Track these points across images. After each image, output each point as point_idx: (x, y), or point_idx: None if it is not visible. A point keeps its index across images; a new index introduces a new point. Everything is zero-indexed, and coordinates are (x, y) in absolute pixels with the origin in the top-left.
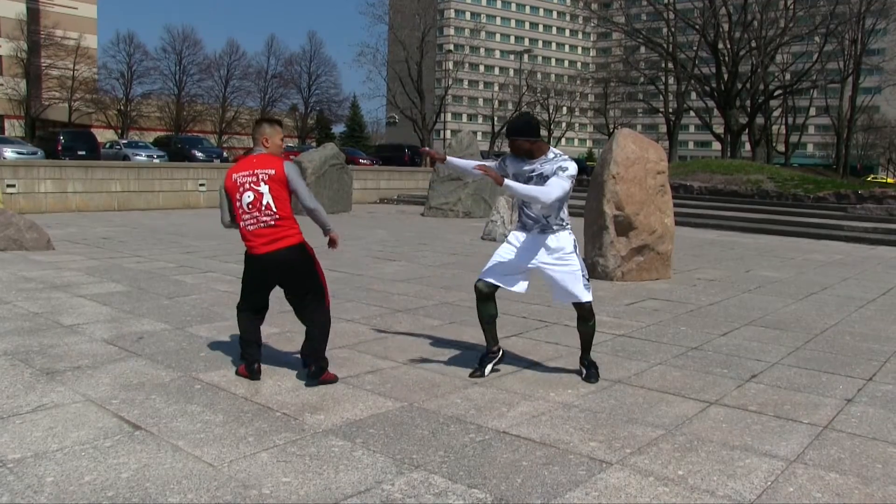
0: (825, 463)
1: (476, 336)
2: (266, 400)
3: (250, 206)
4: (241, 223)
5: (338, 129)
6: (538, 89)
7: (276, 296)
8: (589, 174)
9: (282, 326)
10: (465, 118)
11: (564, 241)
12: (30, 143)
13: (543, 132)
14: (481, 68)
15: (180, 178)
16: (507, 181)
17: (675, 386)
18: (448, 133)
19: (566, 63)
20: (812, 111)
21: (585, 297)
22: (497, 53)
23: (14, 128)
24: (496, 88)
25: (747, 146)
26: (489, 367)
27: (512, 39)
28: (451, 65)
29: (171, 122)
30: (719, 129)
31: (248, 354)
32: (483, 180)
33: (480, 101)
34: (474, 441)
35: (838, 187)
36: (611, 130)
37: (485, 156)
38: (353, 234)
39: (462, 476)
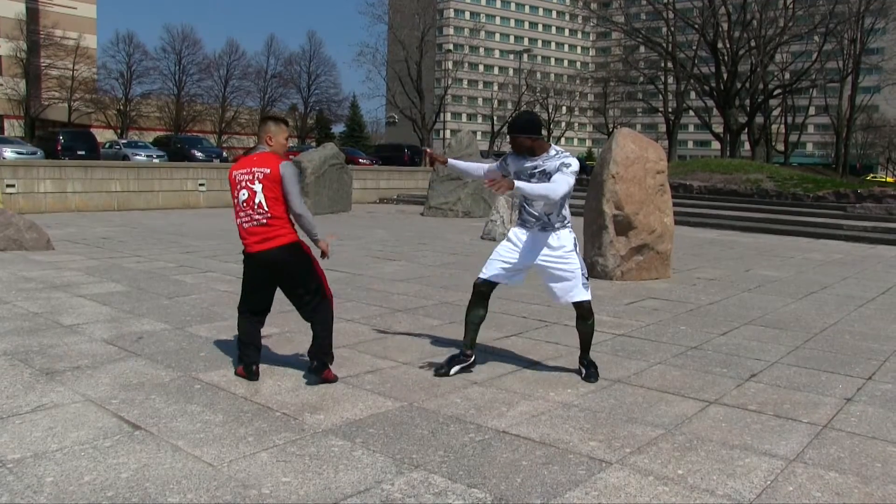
0: (825, 462)
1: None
2: (266, 400)
3: (245, 204)
4: (238, 220)
5: (337, 128)
6: (537, 89)
7: (278, 296)
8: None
9: (282, 326)
10: (464, 118)
11: (565, 239)
12: (29, 143)
13: (543, 132)
14: (481, 68)
15: (180, 177)
16: (517, 183)
17: (675, 385)
18: (448, 133)
19: (565, 62)
20: (811, 110)
21: (585, 295)
22: (496, 53)
23: (14, 128)
24: (496, 88)
25: (747, 145)
26: (457, 367)
27: (511, 39)
28: (450, 64)
29: (171, 121)
30: (719, 129)
31: (246, 356)
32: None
33: (480, 101)
34: (474, 441)
35: (838, 186)
36: (610, 130)
37: (484, 156)
38: (352, 234)
39: (462, 476)
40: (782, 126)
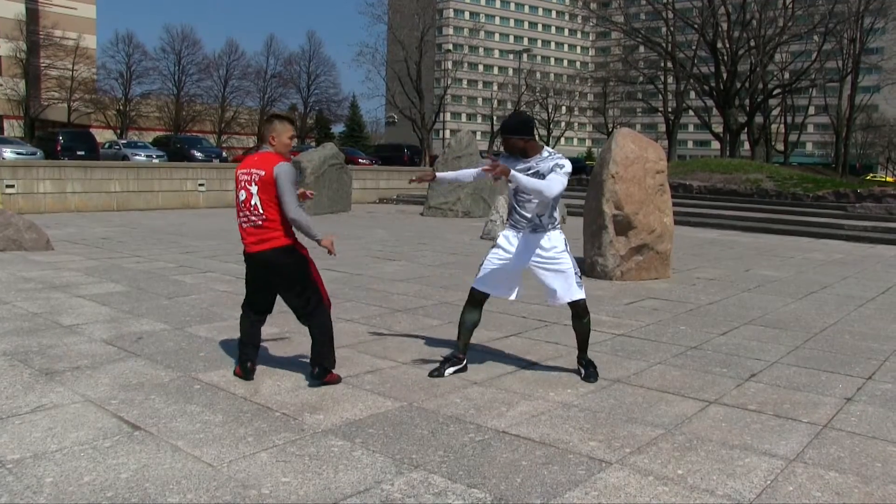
0: (825, 462)
1: (475, 336)
2: (265, 400)
3: (243, 205)
4: (238, 219)
5: (337, 128)
6: (537, 89)
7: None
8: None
9: (282, 326)
10: (464, 118)
11: (556, 240)
12: (29, 144)
13: (543, 132)
14: (480, 68)
15: (179, 178)
16: (513, 172)
17: (675, 385)
18: (447, 133)
19: (565, 62)
20: (811, 110)
21: (579, 294)
22: (496, 53)
23: (13, 128)
24: (495, 88)
25: (746, 145)
26: (451, 370)
27: (511, 39)
28: (450, 64)
29: (171, 122)
30: (718, 129)
31: (244, 354)
32: (482, 179)
33: (479, 101)
34: (474, 441)
35: (837, 186)
36: (610, 130)
37: (483, 156)
38: (352, 234)
39: (461, 476)
40: (782, 126)
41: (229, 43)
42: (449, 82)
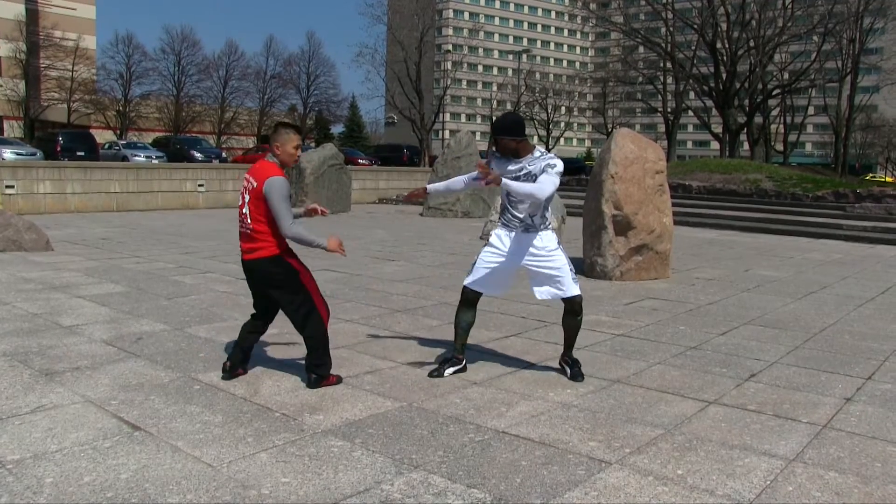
0: (824, 462)
1: (475, 336)
2: (265, 400)
3: (239, 210)
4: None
5: (337, 129)
6: (537, 89)
7: None
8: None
9: (281, 327)
10: (463, 118)
11: (548, 239)
12: (29, 144)
13: (542, 132)
14: (480, 68)
15: (179, 178)
16: (504, 180)
17: (674, 385)
18: (447, 133)
19: (564, 63)
20: (810, 110)
21: (575, 291)
22: (496, 53)
23: (13, 129)
24: (495, 88)
25: (746, 145)
26: (451, 370)
27: (510, 39)
28: (449, 65)
29: (170, 122)
30: (718, 129)
31: (231, 353)
32: (473, 187)
33: (479, 101)
34: (473, 441)
35: (837, 186)
36: (609, 130)
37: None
38: (352, 234)
39: (461, 476)
40: (781, 126)
41: (229, 43)
42: (448, 83)
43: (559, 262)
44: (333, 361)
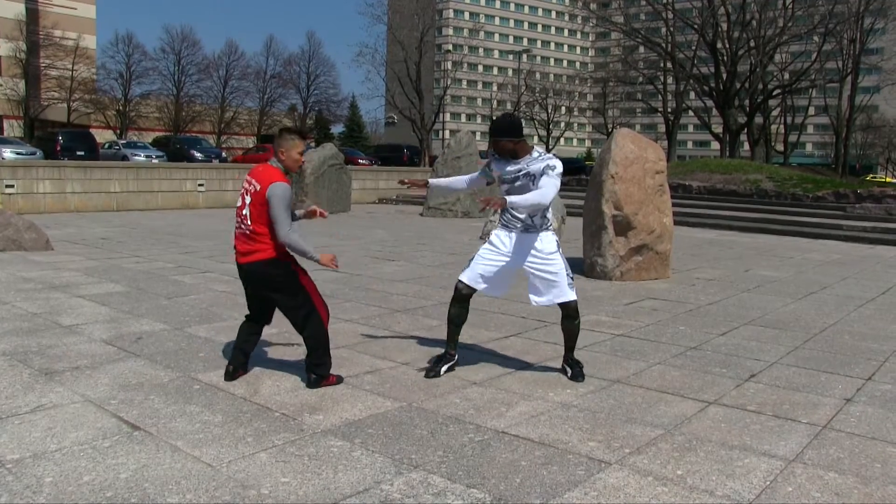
0: (824, 462)
1: (475, 336)
2: (265, 400)
3: (238, 210)
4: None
5: (337, 129)
6: (537, 89)
7: None
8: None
9: (280, 327)
10: (463, 118)
11: (548, 241)
12: (29, 144)
13: (543, 132)
14: (480, 68)
15: (179, 178)
16: (509, 199)
17: (674, 386)
18: (447, 133)
19: (565, 63)
20: (811, 110)
21: (571, 296)
22: (496, 53)
23: (13, 128)
24: (495, 88)
25: (746, 146)
26: (445, 367)
27: (511, 39)
28: (449, 65)
29: (170, 122)
30: (718, 129)
31: (232, 356)
32: (476, 186)
33: (479, 101)
34: (473, 441)
35: (837, 187)
36: (609, 130)
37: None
38: (352, 234)
39: (461, 476)
40: (782, 126)
41: (229, 43)
42: (448, 83)
43: (557, 267)
44: (333, 361)
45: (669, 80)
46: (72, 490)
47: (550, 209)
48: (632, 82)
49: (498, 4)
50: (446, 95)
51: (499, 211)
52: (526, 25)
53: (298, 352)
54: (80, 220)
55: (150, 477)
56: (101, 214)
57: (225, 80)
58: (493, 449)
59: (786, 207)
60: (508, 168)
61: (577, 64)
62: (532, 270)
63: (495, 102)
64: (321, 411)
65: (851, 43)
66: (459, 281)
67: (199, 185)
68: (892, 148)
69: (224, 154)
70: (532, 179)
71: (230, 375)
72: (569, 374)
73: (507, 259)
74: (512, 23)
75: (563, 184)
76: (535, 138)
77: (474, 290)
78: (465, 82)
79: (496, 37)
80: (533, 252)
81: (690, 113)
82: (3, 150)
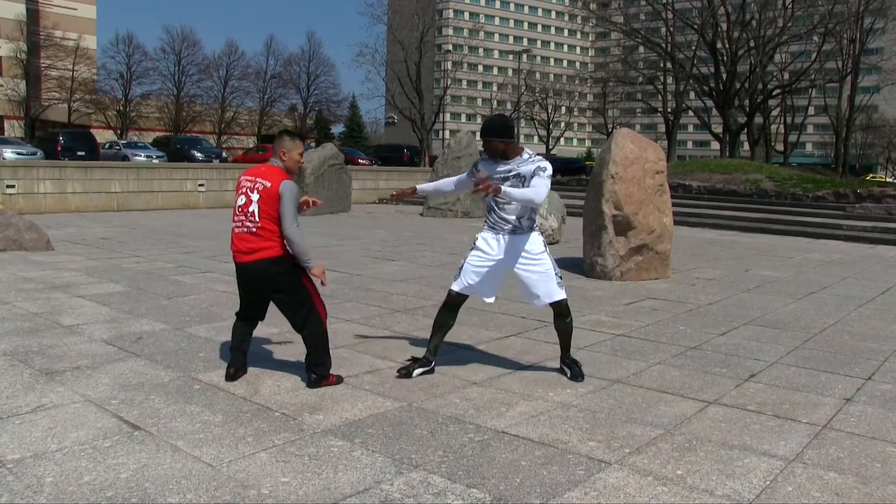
0: (824, 462)
1: (475, 336)
2: (265, 400)
3: (240, 210)
4: (232, 224)
5: (337, 129)
6: (537, 89)
7: None
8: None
9: (280, 327)
10: (463, 118)
11: (535, 242)
12: (29, 144)
13: (542, 132)
14: (480, 68)
15: (179, 178)
16: (503, 187)
17: (674, 385)
18: (447, 133)
19: (565, 63)
20: (811, 110)
21: (560, 295)
22: (496, 53)
23: (14, 128)
24: (495, 88)
25: (746, 146)
26: (419, 370)
27: (510, 39)
28: (449, 65)
29: (171, 122)
30: (718, 129)
31: (232, 358)
32: (464, 188)
33: (479, 101)
34: (473, 441)
35: (837, 186)
36: (609, 130)
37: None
38: (352, 234)
39: (461, 476)
40: (781, 126)
41: (229, 43)
42: (448, 83)
43: (545, 267)
44: (333, 361)
45: (669, 80)
46: (72, 490)
47: (536, 211)
48: (632, 82)
49: (498, 4)
50: (446, 95)
51: (485, 212)
52: (526, 25)
53: (299, 351)
54: (81, 220)
55: (151, 477)
56: (101, 214)
57: (225, 80)
58: (493, 449)
59: (786, 207)
60: (498, 168)
61: (577, 64)
62: (521, 272)
63: (495, 102)
64: (321, 411)
65: (851, 43)
66: (452, 290)
67: (200, 185)
68: (892, 148)
69: (224, 154)
70: (522, 181)
71: (231, 377)
72: (568, 374)
73: (497, 262)
74: (512, 23)
75: (562, 184)
76: (535, 138)
77: (466, 297)
78: (465, 82)
79: (496, 37)
80: (523, 254)
81: (690, 113)
82: (4, 150)
